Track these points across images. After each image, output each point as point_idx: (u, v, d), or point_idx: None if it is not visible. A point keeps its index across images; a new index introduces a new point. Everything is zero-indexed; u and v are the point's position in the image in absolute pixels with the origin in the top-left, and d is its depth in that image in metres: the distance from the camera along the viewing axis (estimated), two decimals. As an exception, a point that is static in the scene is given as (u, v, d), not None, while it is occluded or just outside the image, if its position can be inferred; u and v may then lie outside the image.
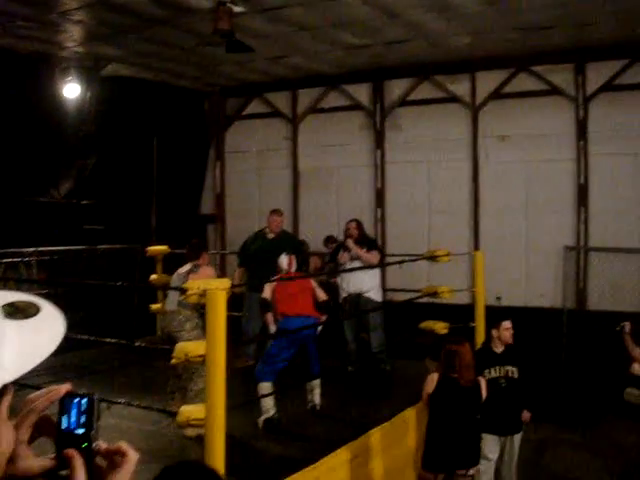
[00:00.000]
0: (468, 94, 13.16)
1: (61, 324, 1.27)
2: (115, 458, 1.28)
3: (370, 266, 9.96)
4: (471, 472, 6.55)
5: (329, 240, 12.19)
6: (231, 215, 15.53)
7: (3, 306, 1.21)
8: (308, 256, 10.63)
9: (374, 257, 10.11)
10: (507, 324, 7.56)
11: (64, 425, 1.27)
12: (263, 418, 7.50)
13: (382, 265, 11.03)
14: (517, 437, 7.45)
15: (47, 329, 1.25)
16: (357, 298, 10.01)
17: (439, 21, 10.43)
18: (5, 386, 1.16)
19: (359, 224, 10.31)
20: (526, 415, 7.44)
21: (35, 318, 1.25)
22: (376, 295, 10.14)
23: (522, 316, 12.13)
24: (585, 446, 9.24)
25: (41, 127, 12.18)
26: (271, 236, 10.65)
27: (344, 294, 10.07)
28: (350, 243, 10.02)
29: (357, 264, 9.90)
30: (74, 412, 1.27)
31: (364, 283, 10.00)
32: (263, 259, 9.85)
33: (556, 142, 12.53)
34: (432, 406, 6.46)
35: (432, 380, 6.38)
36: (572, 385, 11.05)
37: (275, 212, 10.92)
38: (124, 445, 1.30)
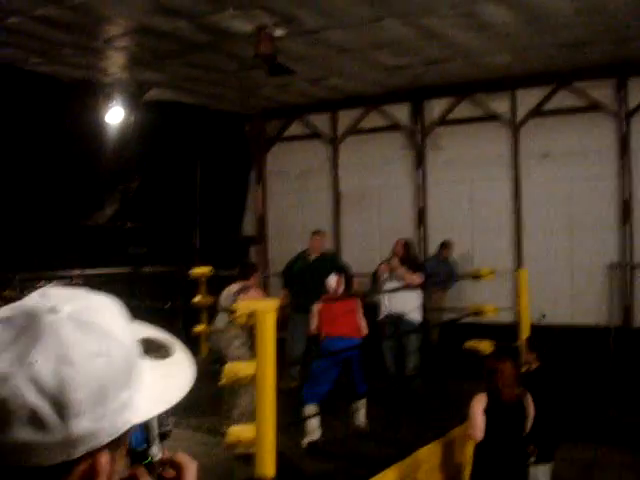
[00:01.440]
0: (508, 112, 13.12)
1: (192, 370, 1.24)
2: (175, 468, 1.25)
3: (412, 286, 9.94)
4: None
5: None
6: (273, 236, 15.61)
7: (140, 341, 1.17)
8: (352, 278, 10.64)
9: (417, 278, 10.09)
10: None
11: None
12: (307, 440, 7.51)
13: (424, 287, 11.03)
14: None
15: (178, 375, 1.22)
16: (398, 319, 9.99)
17: (478, 40, 10.45)
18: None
19: (407, 244, 10.31)
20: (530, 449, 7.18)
21: (168, 360, 1.22)
22: (416, 317, 10.11)
23: (568, 334, 12.08)
24: (635, 467, 9.08)
25: (85, 152, 12.39)
26: (313, 257, 10.70)
27: (385, 313, 10.04)
28: (395, 262, 10.01)
29: (395, 285, 9.87)
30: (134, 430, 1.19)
31: (406, 304, 9.98)
32: (306, 280, 9.90)
33: (598, 158, 12.43)
34: None
35: (480, 399, 6.29)
36: (621, 404, 10.89)
37: (316, 233, 10.97)
38: (180, 455, 1.27)
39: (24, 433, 0.98)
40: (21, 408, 0.97)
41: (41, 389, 0.98)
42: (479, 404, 6.19)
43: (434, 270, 11.86)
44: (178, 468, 1.26)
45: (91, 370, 1.02)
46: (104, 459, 1.06)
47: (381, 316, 9.96)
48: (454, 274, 12.15)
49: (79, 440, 1.02)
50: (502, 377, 6.24)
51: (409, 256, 10.27)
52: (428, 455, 7.19)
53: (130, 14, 9.08)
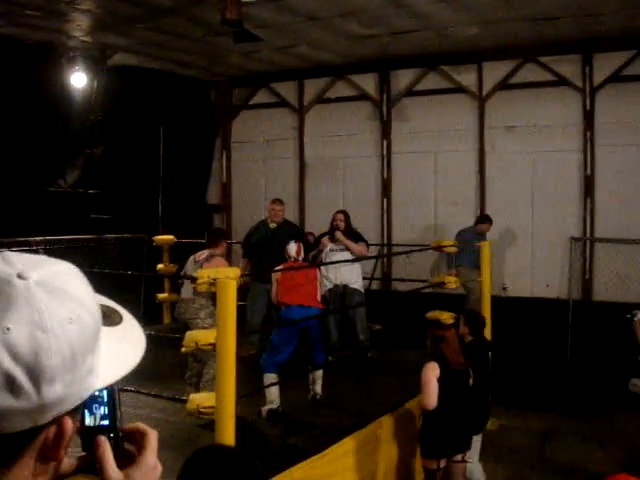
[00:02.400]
0: (475, 84, 13.16)
1: (143, 336, 1.25)
2: (137, 437, 1.26)
3: (360, 258, 9.99)
4: (467, 457, 6.57)
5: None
6: (237, 205, 15.56)
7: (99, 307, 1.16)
8: (315, 246, 10.63)
9: (363, 248, 10.13)
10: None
11: (88, 421, 1.22)
12: (267, 408, 7.55)
13: (376, 257, 11.09)
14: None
15: (132, 339, 1.23)
16: (342, 289, 10.04)
17: (446, 11, 10.43)
18: None
19: (347, 216, 10.30)
20: None
21: (120, 326, 1.23)
22: (360, 287, 10.18)
23: (528, 306, 12.25)
24: (591, 436, 9.27)
25: (48, 116, 12.21)
26: (273, 226, 10.68)
27: (330, 285, 10.05)
28: (339, 235, 10.03)
29: (340, 256, 9.89)
30: (95, 406, 1.23)
31: (350, 275, 10.03)
32: (266, 249, 9.88)
33: (563, 133, 12.54)
34: None
35: (432, 368, 6.35)
36: (578, 375, 11.09)
37: (275, 202, 10.92)
38: (141, 425, 1.28)
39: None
40: None
41: (15, 355, 0.99)
42: (431, 372, 6.26)
43: (469, 244, 11.48)
44: (139, 438, 1.27)
45: (64, 337, 1.03)
46: (69, 424, 1.08)
47: (326, 289, 9.92)
48: None
49: (50, 406, 1.03)
50: (449, 345, 6.33)
51: (350, 227, 10.27)
52: (385, 425, 7.27)
53: (94, -24, 8.94)
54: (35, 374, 1.00)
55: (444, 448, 6.34)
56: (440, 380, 6.20)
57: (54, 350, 1.02)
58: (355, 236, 10.25)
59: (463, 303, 10.53)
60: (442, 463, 6.32)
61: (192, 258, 8.51)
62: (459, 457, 6.45)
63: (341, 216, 10.25)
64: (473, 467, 7.16)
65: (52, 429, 1.07)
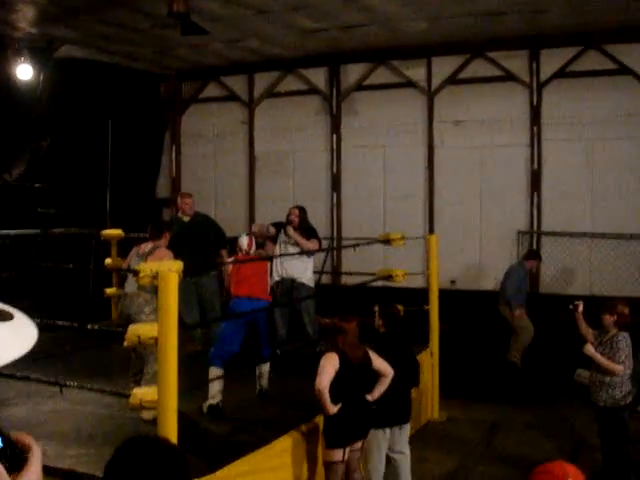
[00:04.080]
0: (424, 79, 13.24)
1: (34, 332, 1.33)
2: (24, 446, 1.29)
3: (309, 252, 10.01)
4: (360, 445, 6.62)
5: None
6: (187, 199, 15.44)
7: None
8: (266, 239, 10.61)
9: (313, 245, 10.16)
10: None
11: None
12: (208, 404, 7.50)
13: (322, 250, 11.11)
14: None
15: (20, 334, 1.30)
16: (290, 283, 10.06)
17: (395, 6, 10.48)
18: None
19: (302, 211, 10.31)
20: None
21: (9, 323, 1.29)
22: (309, 281, 10.20)
23: (476, 299, 12.38)
24: (537, 426, 9.41)
25: (-7, 109, 12.01)
26: (186, 219, 10.71)
27: (277, 278, 10.06)
28: (290, 230, 10.04)
29: (292, 250, 9.91)
30: None
31: (299, 269, 10.05)
32: (183, 242, 9.82)
33: (510, 128, 12.69)
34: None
35: (331, 357, 6.38)
36: (525, 367, 11.24)
37: (184, 195, 11.10)
38: (26, 438, 1.32)
39: None
40: None
41: None
42: (329, 361, 6.29)
43: (521, 283, 11.54)
44: (24, 449, 1.30)
45: None
46: None
47: (273, 281, 9.92)
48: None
49: None
50: (347, 337, 6.39)
51: (304, 223, 10.28)
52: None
53: (38, -34, 8.80)
54: None
55: (347, 437, 6.38)
56: (338, 371, 6.25)
57: None
58: (309, 232, 10.25)
59: (413, 296, 10.56)
60: (346, 454, 6.35)
61: (135, 250, 8.42)
62: (359, 444, 6.50)
63: (296, 211, 10.26)
64: (403, 458, 7.23)
65: None
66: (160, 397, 5.00)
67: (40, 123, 12.85)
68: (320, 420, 6.73)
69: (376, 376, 6.62)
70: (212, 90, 15.26)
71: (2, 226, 11.56)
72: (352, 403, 6.31)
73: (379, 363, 6.61)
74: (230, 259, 8.84)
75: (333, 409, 6.22)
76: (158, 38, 12.15)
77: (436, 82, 13.13)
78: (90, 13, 10.68)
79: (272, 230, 10.37)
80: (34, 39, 12.21)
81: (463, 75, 12.95)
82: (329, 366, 6.26)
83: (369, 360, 6.51)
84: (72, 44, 12.58)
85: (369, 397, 6.57)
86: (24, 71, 12.39)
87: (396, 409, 7.05)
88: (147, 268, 5.21)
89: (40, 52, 12.52)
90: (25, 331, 1.31)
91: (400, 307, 8.42)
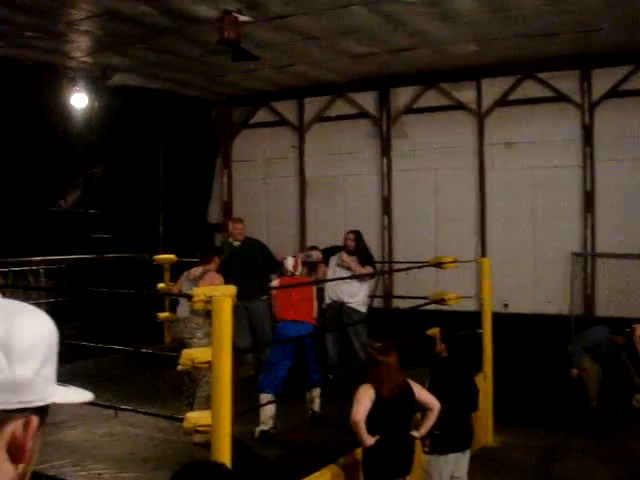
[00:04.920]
0: (474, 101, 13.18)
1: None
2: None
3: (360, 277, 9.97)
4: None
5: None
6: (238, 224, 15.56)
7: None
8: (317, 263, 10.62)
9: (366, 271, 10.13)
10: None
11: None
12: (259, 429, 7.49)
13: (375, 274, 11.06)
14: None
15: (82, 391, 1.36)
16: (340, 307, 10.03)
17: (444, 29, 10.47)
18: None
19: (357, 235, 10.29)
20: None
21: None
22: (360, 306, 10.14)
23: (529, 323, 12.21)
24: (595, 453, 9.18)
25: (49, 137, 12.27)
26: (237, 244, 10.74)
27: (328, 301, 10.06)
28: (345, 255, 10.04)
29: (345, 274, 9.90)
30: None
31: (349, 293, 10.02)
32: (233, 267, 9.87)
33: (562, 149, 12.54)
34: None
35: (366, 390, 6.20)
36: (582, 392, 11.02)
37: (235, 220, 11.12)
38: None
39: None
40: None
41: None
42: (365, 393, 6.13)
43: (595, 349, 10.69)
44: None
45: (31, 330, 1.20)
46: (35, 421, 1.20)
47: (324, 304, 9.92)
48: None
49: (19, 387, 1.16)
50: (380, 369, 6.18)
51: (360, 247, 10.25)
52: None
53: (93, -3, 8.98)
54: (8, 351, 1.15)
55: (386, 472, 6.20)
56: (375, 403, 6.08)
57: (24, 334, 1.18)
58: (365, 257, 10.23)
59: (466, 320, 10.45)
60: None
61: (185, 275, 8.49)
62: None
63: (351, 236, 10.25)
64: None
65: (20, 422, 1.18)
66: (214, 421, 5.00)
67: (94, 150, 13.09)
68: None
69: (422, 409, 6.47)
70: (262, 115, 15.39)
71: (57, 251, 11.77)
72: (392, 437, 6.15)
73: (424, 396, 6.41)
74: (276, 281, 8.85)
75: (370, 441, 6.03)
76: (209, 65, 12.31)
77: (486, 104, 13.07)
78: (143, 42, 10.87)
79: (315, 255, 10.39)
80: (88, 68, 12.47)
81: (513, 96, 12.87)
82: (364, 398, 6.07)
83: (410, 393, 6.35)
84: (125, 72, 12.81)
85: (416, 434, 6.37)
86: (79, 99, 12.66)
87: (457, 435, 6.90)
88: (201, 292, 5.23)
89: (94, 81, 12.78)
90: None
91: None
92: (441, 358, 7.18)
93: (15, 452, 1.18)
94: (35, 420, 1.20)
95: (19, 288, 11.11)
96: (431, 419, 6.39)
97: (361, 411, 6.01)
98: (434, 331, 8.21)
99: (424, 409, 6.44)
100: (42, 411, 1.23)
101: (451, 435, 6.70)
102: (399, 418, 6.23)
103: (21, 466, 1.20)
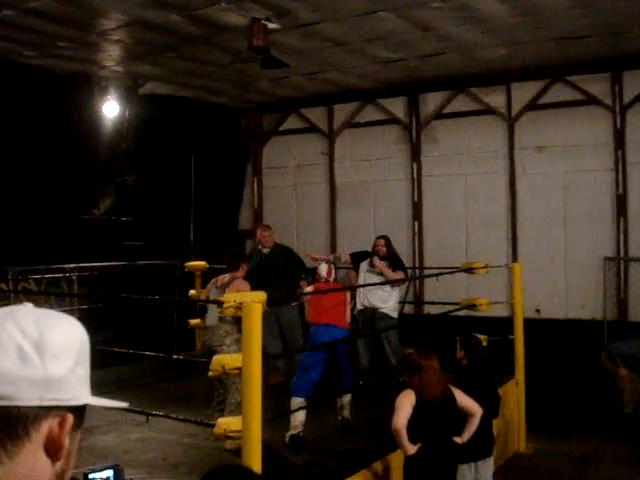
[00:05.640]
0: (503, 106, 13.13)
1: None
2: None
3: (392, 282, 9.95)
4: None
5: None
6: (269, 230, 15.61)
7: None
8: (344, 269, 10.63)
9: (398, 276, 10.12)
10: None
11: None
12: (290, 434, 7.49)
13: (406, 280, 11.03)
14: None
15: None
16: (372, 312, 10.02)
17: (473, 33, 10.45)
18: None
19: (387, 241, 10.29)
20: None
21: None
22: (392, 312, 10.13)
23: (562, 328, 12.11)
24: (629, 460, 9.07)
25: (81, 146, 12.41)
26: (266, 251, 10.75)
27: (359, 307, 10.06)
28: (376, 260, 10.03)
29: (377, 279, 9.89)
30: None
31: (381, 299, 10.01)
32: (263, 274, 9.89)
33: (594, 152, 12.45)
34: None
35: (408, 396, 6.10)
36: (616, 397, 10.90)
37: (263, 227, 11.10)
38: None
39: (11, 364, 1.18)
40: (10, 344, 1.19)
41: (25, 333, 1.20)
42: (406, 398, 6.05)
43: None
44: None
45: (63, 332, 1.25)
46: (70, 419, 1.22)
47: (356, 310, 9.93)
48: None
49: (53, 383, 1.20)
50: (423, 374, 6.08)
51: (390, 253, 10.24)
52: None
53: (124, 7, 9.08)
54: (40, 348, 1.20)
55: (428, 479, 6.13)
56: (416, 410, 6.00)
57: (56, 334, 1.23)
58: (396, 262, 10.23)
59: (497, 325, 10.38)
60: None
61: (213, 282, 8.52)
62: None
63: (382, 241, 10.25)
64: None
65: (56, 421, 1.21)
66: (244, 427, 5.02)
67: (126, 158, 13.21)
68: (399, 454, 6.65)
69: (462, 414, 6.40)
70: (292, 122, 15.45)
71: (90, 259, 11.88)
72: (434, 444, 6.08)
73: (466, 402, 6.32)
74: (309, 287, 8.88)
75: (411, 449, 5.95)
76: (239, 72, 12.38)
77: (516, 108, 13.01)
78: (173, 51, 10.97)
79: (344, 258, 10.42)
80: (119, 77, 12.61)
81: (543, 100, 12.80)
82: (405, 404, 5.98)
83: (452, 398, 6.28)
84: (156, 81, 12.93)
85: (458, 440, 6.28)
86: (110, 108, 12.80)
87: (479, 442, 6.83)
88: (231, 299, 5.26)
89: (125, 89, 12.92)
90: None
91: (483, 337, 8.28)
92: (461, 365, 7.13)
93: (52, 449, 1.22)
94: (70, 418, 1.23)
95: (53, 295, 11.25)
96: (473, 425, 6.34)
97: (402, 418, 5.94)
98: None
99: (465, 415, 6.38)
100: (78, 412, 1.26)
101: (473, 442, 6.63)
102: (441, 424, 6.15)
103: (58, 464, 1.24)
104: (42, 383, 1.19)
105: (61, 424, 1.22)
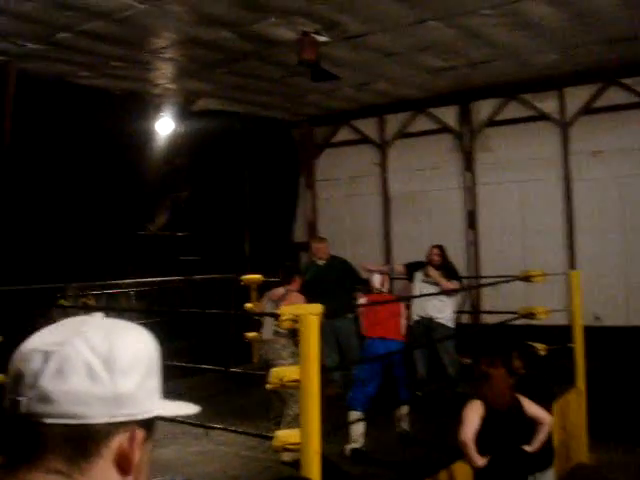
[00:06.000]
0: (557, 111, 12.97)
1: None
2: None
3: (448, 292, 9.90)
4: None
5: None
6: (323, 242, 15.64)
7: None
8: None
9: (453, 286, 10.07)
10: None
11: None
12: (350, 447, 7.48)
13: (461, 290, 10.99)
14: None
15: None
16: (429, 323, 9.97)
17: (523, 39, 10.35)
18: None
19: (442, 250, 10.26)
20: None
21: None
22: (448, 322, 10.07)
23: (623, 336, 11.87)
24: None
25: (136, 163, 12.61)
26: (322, 263, 10.76)
27: (416, 318, 10.02)
28: (431, 270, 9.99)
29: (432, 290, 9.84)
30: None
31: (437, 309, 9.96)
32: (320, 286, 9.90)
33: (653, 156, 12.22)
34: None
35: (475, 406, 6.00)
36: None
37: (317, 240, 11.14)
38: None
39: (81, 382, 1.21)
40: (79, 362, 1.22)
41: (93, 349, 1.23)
42: (474, 410, 5.95)
43: None
44: None
45: (132, 345, 1.28)
46: (140, 435, 1.27)
47: (412, 321, 9.90)
48: None
49: (122, 400, 1.24)
50: (492, 383, 5.98)
51: (445, 262, 10.20)
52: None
53: (175, 26, 9.21)
54: (109, 365, 1.23)
55: None
56: (485, 420, 5.90)
57: (125, 349, 1.26)
58: (450, 272, 10.20)
59: (556, 334, 10.24)
60: None
61: (268, 296, 8.56)
62: None
63: (437, 250, 10.24)
64: None
65: (126, 436, 1.25)
66: (303, 439, 5.02)
67: (180, 174, 13.39)
68: (461, 465, 6.58)
69: (531, 424, 6.29)
70: (344, 134, 15.48)
71: (147, 274, 12.04)
72: (504, 455, 5.98)
73: (534, 410, 6.21)
74: (363, 299, 8.86)
75: (480, 462, 5.82)
76: (290, 86, 12.46)
77: (570, 113, 12.83)
78: (224, 66, 11.09)
79: (397, 269, 10.41)
80: (172, 94, 12.79)
81: (598, 104, 12.59)
82: (473, 415, 5.87)
83: (520, 407, 6.18)
84: (208, 97, 13.08)
85: (528, 448, 6.21)
86: (164, 125, 13.00)
87: (539, 453, 6.72)
88: (287, 311, 5.28)
89: (178, 106, 13.10)
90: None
91: (542, 346, 8.18)
92: (519, 375, 7.02)
93: (122, 464, 1.25)
94: (140, 433, 1.27)
95: (112, 310, 11.40)
96: (543, 433, 6.24)
97: (469, 430, 5.84)
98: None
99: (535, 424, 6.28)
100: (148, 425, 1.30)
101: (529, 455, 6.51)
102: (510, 433, 6.07)
103: (129, 479, 1.27)
104: (111, 400, 1.23)
105: (131, 439, 1.25)
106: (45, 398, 1.20)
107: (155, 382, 1.32)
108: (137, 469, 1.28)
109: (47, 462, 1.21)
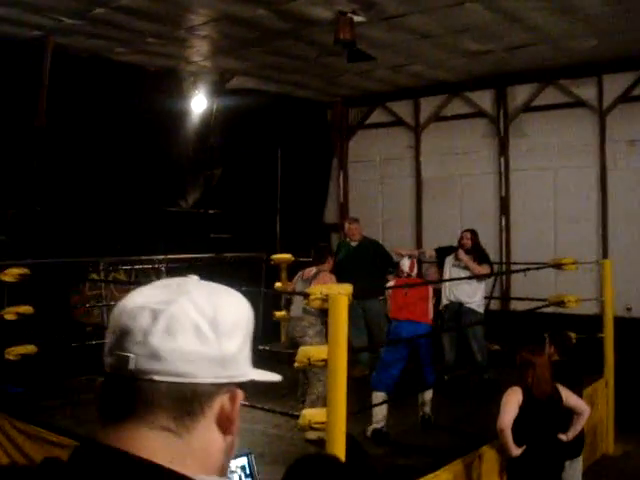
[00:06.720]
0: (594, 98, 12.79)
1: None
2: None
3: (478, 276, 9.85)
4: None
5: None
6: (354, 224, 15.61)
7: None
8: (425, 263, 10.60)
9: (484, 270, 10.01)
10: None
11: None
12: (372, 428, 7.52)
13: (492, 275, 10.93)
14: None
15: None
16: (458, 307, 9.93)
17: (563, 23, 10.21)
18: None
19: (474, 234, 10.21)
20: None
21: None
22: (478, 307, 10.02)
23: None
24: None
25: (170, 139, 12.65)
26: (354, 244, 10.77)
27: (445, 302, 9.99)
28: (461, 254, 9.95)
29: (463, 274, 9.81)
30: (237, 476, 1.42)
31: (467, 294, 9.92)
32: (351, 267, 9.90)
33: (689, 145, 12.04)
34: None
35: (515, 393, 5.98)
36: None
37: (351, 221, 11.15)
38: None
39: (189, 342, 1.24)
40: (187, 322, 1.24)
41: (199, 309, 1.26)
42: (513, 396, 5.95)
43: None
44: None
45: (234, 309, 1.32)
46: (240, 394, 1.31)
47: (441, 305, 9.88)
48: None
49: (228, 360, 1.28)
50: (535, 371, 5.96)
51: (476, 246, 10.15)
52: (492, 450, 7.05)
53: (211, 2, 9.20)
54: (215, 326, 1.26)
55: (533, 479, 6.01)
56: (523, 408, 5.88)
57: (228, 311, 1.30)
58: (481, 256, 10.16)
59: (586, 323, 10.16)
60: None
61: (300, 275, 8.60)
62: None
63: (468, 234, 10.22)
64: None
65: (227, 397, 1.29)
66: (329, 419, 5.05)
67: (213, 152, 13.41)
68: (486, 450, 6.57)
69: (568, 414, 6.27)
70: (378, 116, 15.41)
71: (178, 250, 12.11)
72: (540, 444, 5.97)
73: (573, 400, 6.20)
74: (392, 282, 8.86)
75: (516, 451, 5.83)
76: (325, 66, 12.41)
77: (608, 100, 12.64)
78: (259, 45, 11.06)
79: (428, 254, 10.38)
80: (207, 72, 12.80)
81: (637, 92, 12.41)
82: (512, 403, 5.88)
83: (559, 396, 6.15)
84: (242, 75, 13.06)
85: (563, 437, 6.16)
86: (198, 103, 13.01)
87: (569, 442, 6.70)
88: (317, 291, 5.29)
89: (213, 84, 13.10)
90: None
91: (572, 334, 8.13)
92: (551, 362, 6.98)
93: (224, 424, 1.29)
94: (240, 394, 1.31)
95: (144, 285, 11.47)
96: (580, 423, 6.24)
97: (507, 418, 5.85)
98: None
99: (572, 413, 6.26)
100: (243, 388, 1.34)
101: (563, 442, 6.49)
102: (548, 422, 6.06)
103: (229, 438, 1.31)
104: (217, 361, 1.26)
105: (232, 400, 1.29)
106: (155, 355, 1.23)
107: (249, 348, 1.36)
108: (235, 429, 1.32)
109: (153, 419, 1.24)
